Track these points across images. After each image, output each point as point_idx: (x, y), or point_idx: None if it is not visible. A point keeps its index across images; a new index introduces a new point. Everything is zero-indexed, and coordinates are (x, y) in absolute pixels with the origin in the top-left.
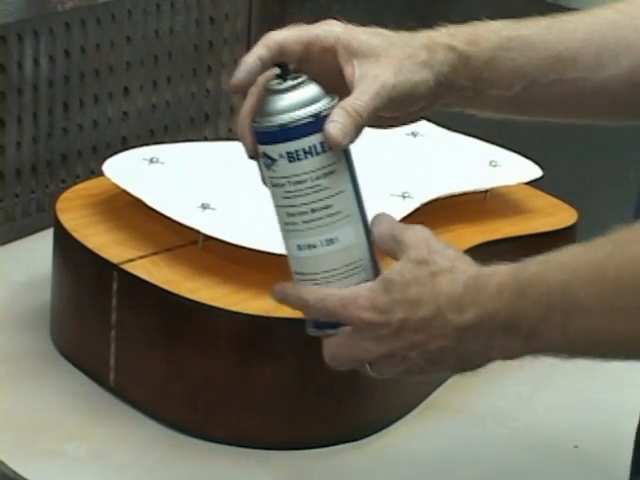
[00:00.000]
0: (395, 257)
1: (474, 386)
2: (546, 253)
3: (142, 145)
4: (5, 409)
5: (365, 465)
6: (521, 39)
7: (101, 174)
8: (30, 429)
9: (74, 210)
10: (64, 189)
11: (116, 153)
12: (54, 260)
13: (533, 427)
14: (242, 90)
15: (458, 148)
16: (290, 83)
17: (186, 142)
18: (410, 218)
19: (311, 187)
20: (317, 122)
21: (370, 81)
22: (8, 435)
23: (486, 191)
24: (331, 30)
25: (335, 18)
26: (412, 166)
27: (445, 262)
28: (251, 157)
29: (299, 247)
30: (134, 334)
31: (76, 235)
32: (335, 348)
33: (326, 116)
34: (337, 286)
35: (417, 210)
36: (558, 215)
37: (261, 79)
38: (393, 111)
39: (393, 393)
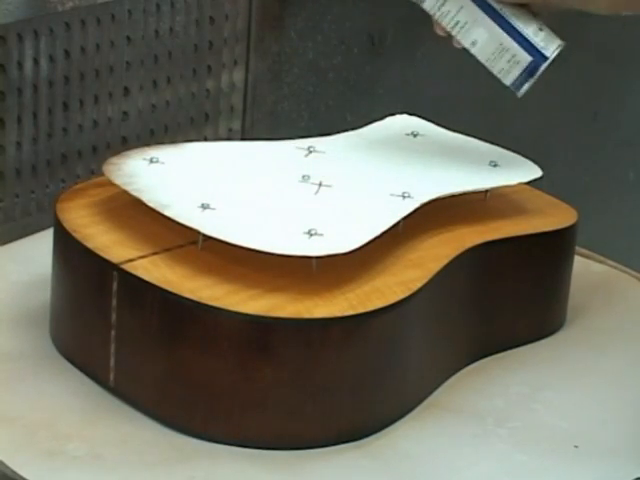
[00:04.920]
0: None
1: (474, 386)
2: None
3: (142, 145)
4: (5, 409)
5: (365, 465)
6: None
7: (101, 174)
8: (30, 429)
9: (74, 210)
10: (64, 189)
11: (116, 153)
12: (54, 260)
13: (533, 427)
14: None
15: (458, 148)
16: None
17: (186, 142)
18: (410, 218)
19: (440, 15)
20: None
21: None
22: (8, 435)
23: (486, 191)
24: None
25: (335, 18)
26: (412, 166)
27: None
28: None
29: (465, 48)
30: (134, 334)
31: (76, 235)
32: None
33: None
34: (497, 67)
35: (417, 210)
36: (558, 215)
37: None
38: None
39: (393, 393)
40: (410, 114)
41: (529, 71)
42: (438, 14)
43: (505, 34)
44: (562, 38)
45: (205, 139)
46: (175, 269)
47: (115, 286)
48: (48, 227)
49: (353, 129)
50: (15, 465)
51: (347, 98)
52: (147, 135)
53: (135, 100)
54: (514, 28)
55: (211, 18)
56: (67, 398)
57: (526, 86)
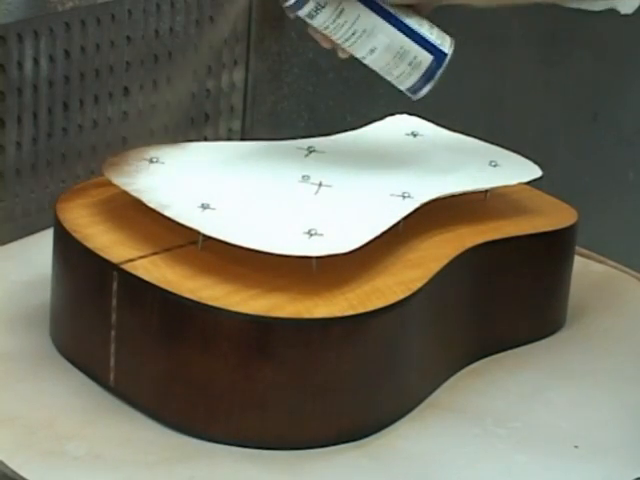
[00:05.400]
0: None
1: (474, 386)
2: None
3: (142, 145)
4: (5, 409)
5: (365, 465)
6: None
7: (101, 174)
8: (30, 429)
9: (74, 210)
10: (64, 189)
11: (116, 153)
12: (54, 260)
13: (533, 427)
14: None
15: (458, 148)
16: None
17: (186, 142)
18: (410, 218)
19: (334, 27)
20: None
21: None
22: (8, 435)
23: (486, 191)
24: None
25: None
26: (412, 166)
27: None
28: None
29: (362, 57)
30: (134, 334)
31: (76, 235)
32: None
33: None
34: (396, 72)
35: (417, 210)
36: (558, 215)
37: None
38: None
39: (393, 393)
40: (410, 114)
41: (431, 71)
42: (332, 27)
43: (405, 37)
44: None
45: (205, 139)
46: (175, 269)
47: (115, 286)
48: (48, 227)
49: (353, 129)
50: (15, 465)
51: (347, 98)
52: (147, 135)
53: (135, 100)
54: (412, 30)
55: (211, 18)
56: (67, 398)
57: (427, 87)
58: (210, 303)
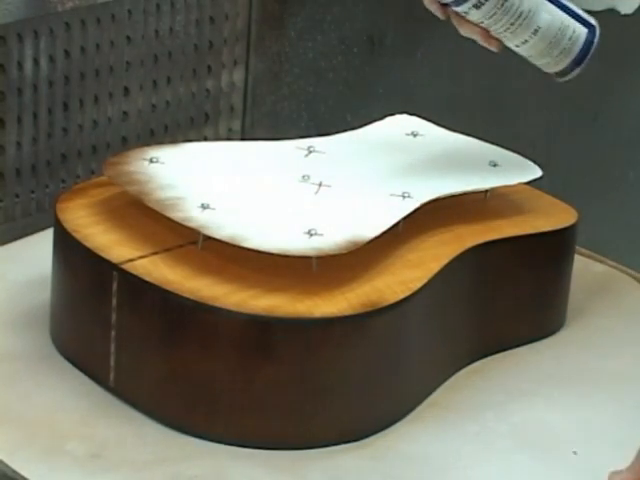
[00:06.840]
0: None
1: (474, 386)
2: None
3: (142, 145)
4: (5, 409)
5: (365, 465)
6: None
7: (101, 174)
8: (30, 429)
9: (74, 210)
10: (64, 189)
11: (116, 153)
12: (54, 260)
13: (533, 427)
14: None
15: (458, 148)
16: None
17: (186, 142)
18: (410, 218)
19: (501, 14)
20: None
21: None
22: (8, 435)
23: (486, 191)
24: None
25: (335, 18)
26: (412, 166)
27: None
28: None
29: (517, 45)
30: (134, 334)
31: (76, 235)
32: None
33: None
34: (556, 51)
35: (417, 210)
36: (558, 215)
37: None
38: None
39: (393, 393)
40: (410, 114)
41: (587, 45)
42: (499, 13)
43: (562, 11)
44: None
45: (205, 139)
46: (175, 269)
47: (115, 286)
48: (48, 227)
49: (353, 129)
50: (15, 465)
51: (347, 98)
52: (147, 135)
53: (135, 100)
54: (565, 4)
55: (211, 18)
56: (67, 398)
57: (583, 64)
58: (210, 303)
